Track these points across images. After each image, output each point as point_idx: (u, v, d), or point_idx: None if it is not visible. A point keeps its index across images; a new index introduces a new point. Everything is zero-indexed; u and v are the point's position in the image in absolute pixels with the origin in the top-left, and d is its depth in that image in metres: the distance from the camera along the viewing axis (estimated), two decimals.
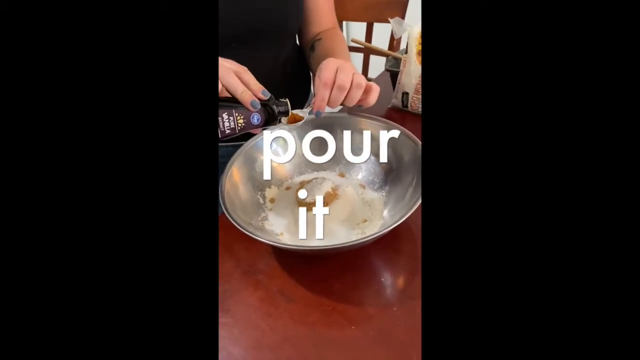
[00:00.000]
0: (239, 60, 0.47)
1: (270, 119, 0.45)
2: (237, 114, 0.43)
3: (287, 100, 0.45)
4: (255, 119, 0.43)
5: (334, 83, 0.46)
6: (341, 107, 0.51)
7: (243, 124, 0.43)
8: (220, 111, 0.43)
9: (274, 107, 0.45)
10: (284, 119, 0.47)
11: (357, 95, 0.47)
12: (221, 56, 0.54)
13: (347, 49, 0.62)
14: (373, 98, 0.49)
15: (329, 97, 0.47)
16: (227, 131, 0.44)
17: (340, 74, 0.46)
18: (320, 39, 0.62)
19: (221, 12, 0.50)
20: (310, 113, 0.48)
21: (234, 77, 0.43)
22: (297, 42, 0.70)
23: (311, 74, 0.71)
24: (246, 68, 0.45)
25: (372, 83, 0.48)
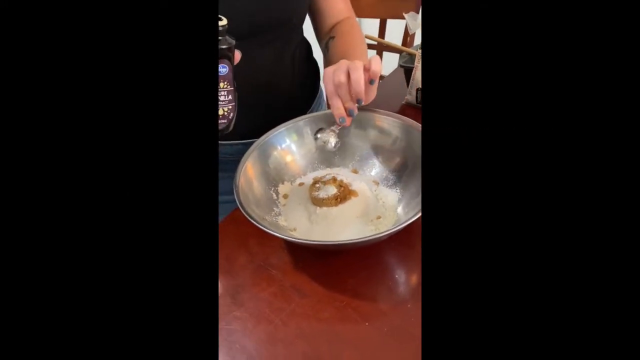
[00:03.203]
0: (242, 57, 0.47)
1: (220, 57, 0.37)
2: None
3: (221, 24, 0.36)
4: (219, 69, 0.37)
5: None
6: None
7: (224, 85, 0.37)
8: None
9: (222, 45, 0.37)
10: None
11: (359, 87, 0.46)
12: None
13: (362, 45, 0.60)
14: (375, 67, 0.47)
15: (342, 101, 0.48)
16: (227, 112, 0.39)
17: (336, 73, 0.47)
18: (333, 37, 0.62)
19: (221, 8, 0.49)
20: (336, 125, 0.50)
21: None
22: (315, 34, 0.68)
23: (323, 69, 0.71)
24: None
25: (371, 58, 0.47)
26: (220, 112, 0.39)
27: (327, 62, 0.62)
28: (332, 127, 0.51)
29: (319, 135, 0.52)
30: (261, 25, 0.54)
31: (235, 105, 0.41)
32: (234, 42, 0.37)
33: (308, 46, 0.68)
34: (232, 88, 0.39)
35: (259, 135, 0.55)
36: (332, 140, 0.51)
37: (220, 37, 0.36)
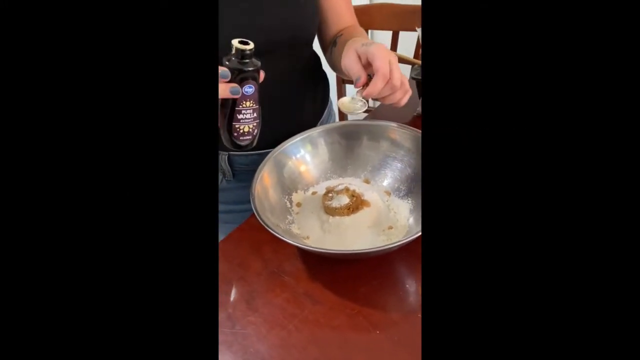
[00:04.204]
0: None
1: (247, 78, 0.40)
2: (242, 107, 0.40)
3: (249, 47, 0.39)
4: (246, 89, 0.39)
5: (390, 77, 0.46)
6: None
7: (250, 104, 0.40)
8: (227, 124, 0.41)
9: (248, 68, 0.40)
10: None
11: (399, 97, 0.48)
12: None
13: (367, 38, 0.60)
14: (406, 99, 0.50)
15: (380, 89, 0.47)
16: (247, 128, 0.41)
17: (396, 72, 0.46)
18: (341, 35, 0.64)
19: (236, 28, 0.51)
20: (356, 92, 0.49)
21: None
22: (319, 44, 0.70)
23: (327, 72, 0.71)
24: None
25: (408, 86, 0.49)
26: (246, 129, 0.41)
27: (336, 53, 0.62)
28: (353, 96, 0.51)
29: (345, 99, 0.52)
30: (277, 43, 0.56)
31: (259, 122, 0.43)
32: (259, 63, 0.39)
33: (317, 59, 0.70)
34: (257, 106, 0.41)
35: (272, 146, 0.57)
36: (359, 102, 0.51)
37: (247, 60, 0.39)
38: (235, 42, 0.38)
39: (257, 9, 0.53)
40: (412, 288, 0.46)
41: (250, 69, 0.38)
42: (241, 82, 0.38)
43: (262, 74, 0.42)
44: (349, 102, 0.51)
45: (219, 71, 0.39)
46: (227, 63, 0.39)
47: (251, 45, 0.38)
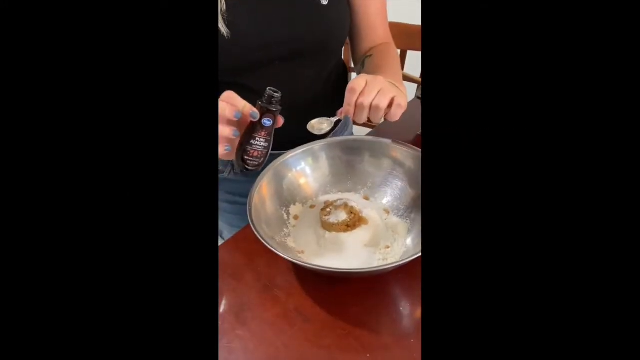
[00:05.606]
0: (280, 77, 0.50)
1: (268, 113, 0.46)
2: (258, 135, 0.46)
3: (276, 95, 0.46)
4: (265, 121, 0.46)
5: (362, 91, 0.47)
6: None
7: (264, 135, 0.47)
8: (249, 146, 0.46)
9: (272, 108, 0.46)
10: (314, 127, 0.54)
11: (376, 115, 0.48)
12: (262, 72, 0.55)
13: (398, 66, 0.61)
14: (395, 114, 0.49)
15: (355, 109, 0.48)
16: (262, 150, 0.47)
17: (369, 86, 0.47)
18: (370, 55, 0.63)
19: (259, 35, 0.52)
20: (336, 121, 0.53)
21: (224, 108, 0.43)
22: (351, 56, 0.70)
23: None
24: (229, 94, 0.44)
25: (397, 98, 0.48)
26: (256, 153, 0.47)
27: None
28: (331, 118, 0.53)
29: (314, 121, 0.54)
30: (297, 50, 0.57)
31: (268, 153, 0.48)
32: (280, 109, 0.47)
33: (345, 68, 0.70)
34: (270, 140, 0.47)
35: (286, 148, 0.57)
36: (326, 127, 0.53)
37: (272, 102, 0.46)
38: (267, 89, 0.46)
39: (281, 17, 0.54)
40: (406, 311, 0.45)
41: (272, 109, 0.46)
42: (262, 115, 0.45)
43: (280, 120, 0.47)
44: (315, 122, 0.54)
45: (251, 111, 0.44)
46: (259, 103, 0.46)
47: (279, 95, 0.46)
